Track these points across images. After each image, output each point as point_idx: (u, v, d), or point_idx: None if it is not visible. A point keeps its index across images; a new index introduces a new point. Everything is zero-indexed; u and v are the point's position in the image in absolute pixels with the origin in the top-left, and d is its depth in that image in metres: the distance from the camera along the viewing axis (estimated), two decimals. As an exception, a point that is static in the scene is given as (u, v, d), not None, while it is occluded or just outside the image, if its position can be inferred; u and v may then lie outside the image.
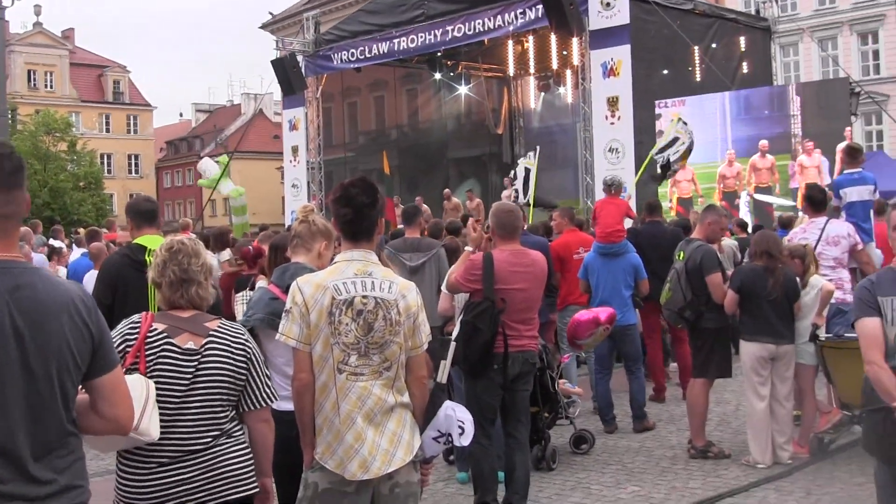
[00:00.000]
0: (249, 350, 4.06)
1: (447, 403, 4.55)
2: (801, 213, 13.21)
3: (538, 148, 21.23)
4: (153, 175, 73.94)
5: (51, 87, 67.15)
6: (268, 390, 4.10)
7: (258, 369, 4.08)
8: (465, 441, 4.60)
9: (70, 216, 45.19)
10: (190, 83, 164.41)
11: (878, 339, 4.52)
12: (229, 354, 3.97)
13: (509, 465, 7.08)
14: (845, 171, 11.22)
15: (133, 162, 72.24)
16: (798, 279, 8.45)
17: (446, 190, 25.17)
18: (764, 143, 21.04)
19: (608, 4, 21.00)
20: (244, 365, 4.02)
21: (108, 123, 70.63)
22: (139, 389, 3.67)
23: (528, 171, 20.46)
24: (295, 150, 29.41)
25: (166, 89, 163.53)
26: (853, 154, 11.38)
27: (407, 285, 4.45)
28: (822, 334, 8.50)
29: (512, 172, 22.91)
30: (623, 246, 10.13)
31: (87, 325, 3.03)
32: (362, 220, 4.41)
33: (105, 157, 67.79)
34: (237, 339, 4.04)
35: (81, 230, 19.74)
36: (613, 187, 11.44)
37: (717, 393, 10.93)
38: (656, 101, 21.74)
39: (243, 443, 4.05)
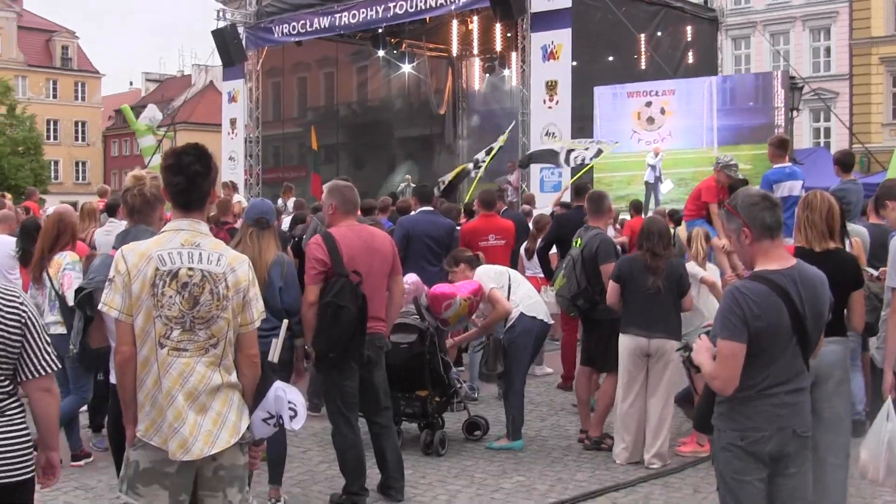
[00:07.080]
0: (24, 314, 3.76)
1: (277, 384, 4.31)
2: None
3: (514, 122, 21.00)
4: (100, 143, 73.27)
5: (-4, 50, 65.79)
6: (48, 357, 3.83)
7: (36, 334, 3.79)
8: (297, 425, 4.37)
9: (7, 181, 44.33)
10: (141, 52, 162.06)
11: None
12: None
13: (379, 452, 6.88)
14: (776, 166, 10.89)
15: (80, 129, 71.34)
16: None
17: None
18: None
19: (550, -13, 20.79)
20: (18, 330, 3.72)
21: (55, 89, 69.60)
22: None
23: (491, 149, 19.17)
24: (233, 122, 29.06)
25: (117, 58, 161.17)
26: (783, 146, 11.12)
27: (237, 258, 4.20)
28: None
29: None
30: None
31: None
32: (194, 189, 4.18)
33: (51, 122, 66.96)
34: (9, 303, 3.74)
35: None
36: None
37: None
38: (614, 86, 21.40)
39: (17, 423, 3.77)
